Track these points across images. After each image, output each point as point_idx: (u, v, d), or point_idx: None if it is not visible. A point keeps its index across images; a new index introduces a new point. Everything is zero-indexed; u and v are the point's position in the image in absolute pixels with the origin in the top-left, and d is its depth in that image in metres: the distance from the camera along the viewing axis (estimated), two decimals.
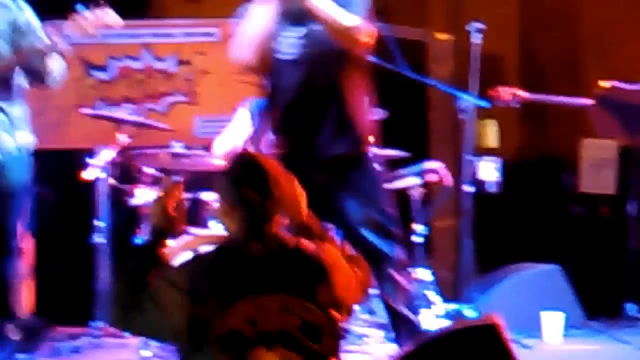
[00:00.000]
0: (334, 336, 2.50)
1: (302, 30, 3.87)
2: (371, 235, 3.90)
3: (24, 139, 4.25)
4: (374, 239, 3.89)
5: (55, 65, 4.23)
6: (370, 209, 3.95)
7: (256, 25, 3.82)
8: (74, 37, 4.10)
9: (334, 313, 2.52)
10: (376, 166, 4.11)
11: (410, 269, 4.63)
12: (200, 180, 4.94)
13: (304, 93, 3.90)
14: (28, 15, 4.26)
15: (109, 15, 4.17)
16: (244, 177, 2.52)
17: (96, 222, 5.15)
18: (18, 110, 4.22)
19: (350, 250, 2.89)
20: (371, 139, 4.09)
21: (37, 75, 4.24)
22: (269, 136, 4.17)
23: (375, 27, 3.92)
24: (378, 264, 3.75)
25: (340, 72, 3.93)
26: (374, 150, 4.16)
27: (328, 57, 3.89)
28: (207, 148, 5.23)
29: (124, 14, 4.67)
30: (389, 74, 4.72)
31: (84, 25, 4.09)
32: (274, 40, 3.84)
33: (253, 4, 3.82)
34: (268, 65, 3.90)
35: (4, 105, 4.19)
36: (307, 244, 2.58)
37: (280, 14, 3.80)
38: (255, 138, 4.92)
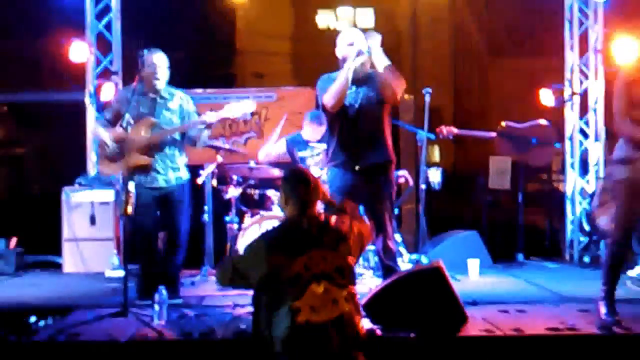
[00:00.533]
0: (352, 273, 3.63)
1: (359, 89, 5.37)
2: (383, 214, 5.40)
3: (183, 174, 5.74)
4: (384, 217, 5.39)
5: (204, 135, 5.69)
6: (387, 198, 5.45)
7: (341, 86, 5.22)
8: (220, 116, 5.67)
9: (350, 259, 3.61)
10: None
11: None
12: (265, 182, 6.87)
13: (359, 126, 5.37)
14: (190, 103, 5.81)
15: (250, 104, 5.64)
16: (295, 180, 3.74)
17: (205, 208, 7.05)
18: (181, 157, 5.75)
19: (365, 220, 4.50)
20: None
21: (191, 141, 5.71)
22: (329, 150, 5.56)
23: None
24: (381, 233, 5.35)
25: (381, 114, 5.45)
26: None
27: (373, 105, 5.39)
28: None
29: (223, 86, 8.45)
30: None
31: (234, 110, 5.60)
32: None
33: (340, 71, 5.29)
34: (341, 108, 5.34)
35: (176, 153, 5.69)
36: (331, 219, 3.67)
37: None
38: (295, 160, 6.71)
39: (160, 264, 5.70)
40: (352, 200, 5.07)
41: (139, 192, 5.29)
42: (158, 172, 5.58)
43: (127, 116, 5.46)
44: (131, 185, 5.14)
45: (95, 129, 5.73)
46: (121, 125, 5.48)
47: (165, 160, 5.61)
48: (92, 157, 7.82)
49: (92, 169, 7.83)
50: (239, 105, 5.62)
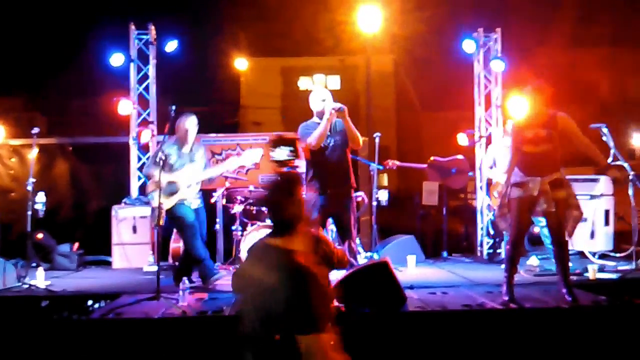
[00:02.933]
0: (330, 264, 3.17)
1: (334, 135, 5.39)
2: (349, 224, 5.38)
3: (198, 200, 5.70)
4: (350, 226, 5.37)
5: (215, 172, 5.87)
6: (351, 213, 5.43)
7: (323, 131, 5.25)
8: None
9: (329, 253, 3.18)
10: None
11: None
12: (261, 201, 6.74)
13: (333, 161, 5.38)
14: (204, 154, 5.78)
15: (259, 153, 5.68)
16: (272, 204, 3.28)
17: (217, 220, 7.18)
18: (197, 189, 5.68)
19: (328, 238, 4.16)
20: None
21: (210, 180, 5.82)
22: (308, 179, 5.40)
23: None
24: (347, 238, 5.33)
25: (345, 153, 5.47)
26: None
27: (343, 147, 5.42)
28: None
29: (230, 131, 8.66)
30: None
31: (247, 159, 5.75)
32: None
33: (322, 122, 5.25)
34: (319, 148, 5.32)
35: (195, 186, 5.64)
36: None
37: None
38: None
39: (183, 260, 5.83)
40: (324, 214, 5.10)
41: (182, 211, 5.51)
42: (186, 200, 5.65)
43: (173, 163, 5.54)
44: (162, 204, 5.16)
45: (150, 171, 5.58)
46: (169, 169, 5.52)
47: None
48: (133, 183, 7.78)
49: (134, 192, 7.79)
50: (252, 155, 5.68)
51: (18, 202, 7.48)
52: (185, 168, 5.58)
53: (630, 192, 5.82)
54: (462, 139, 8.14)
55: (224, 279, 5.63)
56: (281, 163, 7.38)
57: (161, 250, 5.56)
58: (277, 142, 7.57)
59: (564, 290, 4.70)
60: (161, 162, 5.25)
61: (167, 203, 5.47)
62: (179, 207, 5.53)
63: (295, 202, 2.54)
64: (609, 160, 5.68)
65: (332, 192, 5.39)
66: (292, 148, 7.21)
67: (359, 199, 7.23)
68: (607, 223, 6.91)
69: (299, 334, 2.18)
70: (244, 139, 8.29)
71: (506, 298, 4.71)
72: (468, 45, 8.02)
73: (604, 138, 5.68)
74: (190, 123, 5.58)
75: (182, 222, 5.53)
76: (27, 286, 5.53)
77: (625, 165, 5.73)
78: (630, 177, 5.81)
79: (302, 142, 5.48)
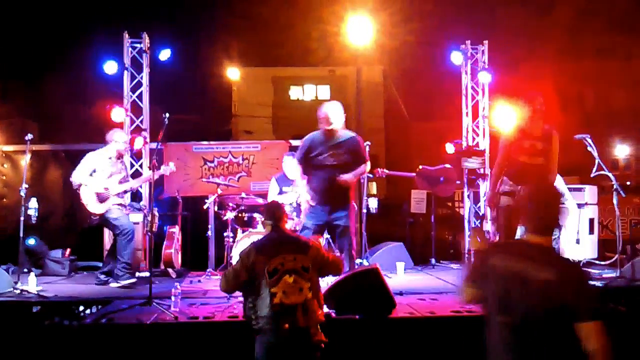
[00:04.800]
0: (315, 271, 3.55)
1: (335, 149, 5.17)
2: (347, 230, 5.22)
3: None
4: (349, 232, 5.23)
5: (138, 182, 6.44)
6: (349, 221, 5.23)
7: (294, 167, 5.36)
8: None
9: (317, 262, 3.55)
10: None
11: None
12: (252, 208, 6.80)
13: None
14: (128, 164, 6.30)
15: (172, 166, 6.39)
16: (271, 209, 3.77)
17: (209, 226, 7.06)
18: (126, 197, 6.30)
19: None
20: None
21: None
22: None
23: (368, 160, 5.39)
24: (346, 242, 5.21)
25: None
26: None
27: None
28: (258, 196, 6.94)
29: (223, 139, 8.33)
30: None
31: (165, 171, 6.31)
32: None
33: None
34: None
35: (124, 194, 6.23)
36: (300, 235, 3.79)
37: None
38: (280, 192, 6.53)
39: None
40: (327, 227, 5.22)
41: None
42: None
43: (104, 171, 6.16)
44: (155, 211, 5.15)
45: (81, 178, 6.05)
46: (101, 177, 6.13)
47: None
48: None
49: (126, 199, 7.73)
50: (167, 168, 6.39)
51: (10, 208, 7.40)
52: (114, 177, 6.04)
53: (615, 201, 5.87)
54: (449, 148, 8.18)
55: (213, 283, 5.59)
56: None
57: (153, 256, 5.51)
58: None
59: None
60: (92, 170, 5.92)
61: (99, 208, 5.92)
62: (112, 211, 5.98)
63: (559, 208, 2.69)
64: (594, 169, 5.75)
65: (332, 208, 5.22)
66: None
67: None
68: (591, 231, 6.96)
69: (579, 322, 2.40)
70: (235, 146, 8.33)
71: None
72: (456, 57, 8.11)
73: (589, 148, 5.73)
74: (118, 136, 6.15)
75: (119, 225, 6.00)
76: (18, 292, 5.47)
77: (609, 175, 5.78)
78: (614, 187, 5.86)
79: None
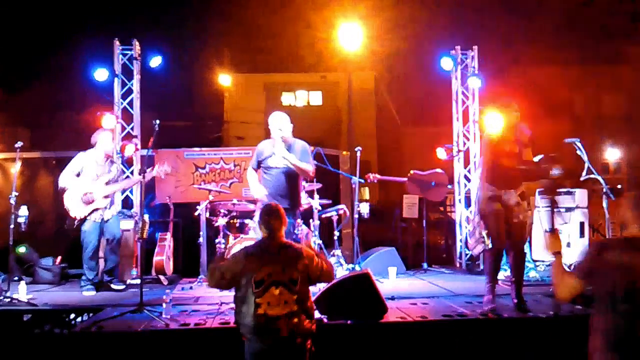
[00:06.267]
0: (305, 284, 3.48)
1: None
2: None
3: (112, 211, 6.29)
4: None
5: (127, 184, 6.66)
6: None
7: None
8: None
9: (307, 273, 3.47)
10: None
11: (336, 250, 6.81)
12: (244, 214, 6.72)
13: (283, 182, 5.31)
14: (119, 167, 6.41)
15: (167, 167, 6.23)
16: (268, 213, 3.61)
17: (200, 233, 6.94)
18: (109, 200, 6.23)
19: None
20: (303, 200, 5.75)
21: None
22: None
23: (314, 166, 5.50)
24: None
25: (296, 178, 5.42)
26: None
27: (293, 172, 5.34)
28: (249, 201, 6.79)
29: (214, 145, 8.30)
30: (326, 171, 7.03)
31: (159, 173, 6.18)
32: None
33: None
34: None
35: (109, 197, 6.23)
36: (293, 244, 3.57)
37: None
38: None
39: None
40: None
41: None
42: None
43: (89, 173, 6.26)
44: (146, 217, 5.14)
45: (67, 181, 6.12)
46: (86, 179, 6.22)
47: None
48: (117, 197, 7.67)
49: (117, 206, 7.68)
50: (163, 169, 6.24)
51: (0, 216, 7.34)
52: (101, 179, 6.06)
53: (605, 204, 5.90)
54: (441, 153, 8.18)
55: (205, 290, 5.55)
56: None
57: (144, 263, 5.48)
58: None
59: (516, 301, 4.78)
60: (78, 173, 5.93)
61: (82, 211, 6.00)
62: (86, 222, 6.05)
63: None
64: (583, 173, 5.78)
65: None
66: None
67: (341, 211, 7.22)
68: (582, 235, 7.00)
69: None
70: (227, 152, 8.26)
71: (492, 306, 4.75)
72: (446, 63, 8.13)
73: (578, 152, 5.77)
74: (103, 137, 6.16)
75: (83, 237, 6.09)
76: (8, 300, 5.41)
77: (599, 178, 5.82)
78: (604, 190, 5.89)
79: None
